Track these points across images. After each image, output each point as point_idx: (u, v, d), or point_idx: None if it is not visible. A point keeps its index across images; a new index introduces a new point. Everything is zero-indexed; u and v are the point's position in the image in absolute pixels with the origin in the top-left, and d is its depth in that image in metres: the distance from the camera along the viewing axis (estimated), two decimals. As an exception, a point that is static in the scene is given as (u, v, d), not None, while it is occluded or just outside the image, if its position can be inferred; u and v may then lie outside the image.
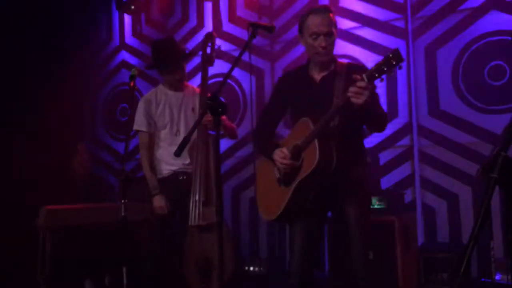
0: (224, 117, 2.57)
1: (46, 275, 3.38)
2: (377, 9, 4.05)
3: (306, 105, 2.28)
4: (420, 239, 3.69)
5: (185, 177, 3.13)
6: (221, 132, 2.78)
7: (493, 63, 3.60)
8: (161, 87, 3.27)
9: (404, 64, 4.29)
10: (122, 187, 2.69)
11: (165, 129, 3.18)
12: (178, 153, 2.07)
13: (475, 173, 3.52)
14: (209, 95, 3.26)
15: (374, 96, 2.16)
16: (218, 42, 4.64)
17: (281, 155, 2.22)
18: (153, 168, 3.17)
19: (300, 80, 2.36)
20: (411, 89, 3.90)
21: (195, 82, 4.58)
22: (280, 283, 4.02)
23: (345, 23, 4.14)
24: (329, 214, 2.43)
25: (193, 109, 3.25)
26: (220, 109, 1.95)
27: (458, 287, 1.36)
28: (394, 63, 1.91)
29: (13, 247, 3.96)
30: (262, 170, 2.42)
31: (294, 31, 4.11)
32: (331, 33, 2.22)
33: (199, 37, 3.29)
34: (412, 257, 3.37)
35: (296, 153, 2.19)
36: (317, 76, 2.32)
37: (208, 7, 4.83)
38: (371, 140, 3.95)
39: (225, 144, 4.36)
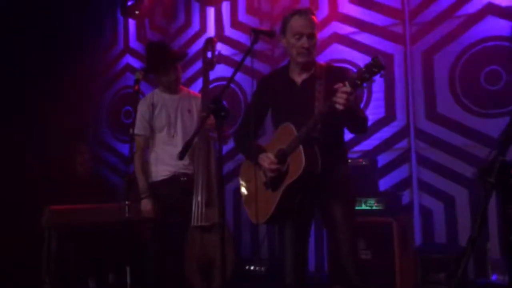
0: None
1: (51, 274, 3.44)
2: (375, 14, 4.12)
3: (287, 108, 2.31)
4: (418, 240, 3.74)
5: (185, 178, 3.19)
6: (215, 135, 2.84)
7: (489, 68, 3.66)
8: (157, 91, 3.33)
9: (401, 69, 4.33)
10: (127, 188, 2.76)
11: (162, 131, 3.23)
12: (181, 156, 2.14)
13: (472, 175, 3.59)
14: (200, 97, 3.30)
15: (355, 100, 2.16)
16: (220, 46, 4.75)
17: (267, 160, 2.25)
18: (144, 171, 3.22)
19: (281, 82, 2.37)
20: (408, 93, 3.96)
21: (197, 87, 4.66)
22: (280, 283, 4.07)
23: (343, 28, 4.21)
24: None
25: (189, 111, 3.30)
26: (222, 113, 2.03)
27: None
28: (375, 70, 1.94)
29: (18, 246, 4.01)
30: (247, 173, 2.44)
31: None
32: (313, 35, 2.26)
33: (202, 41, 3.36)
34: (410, 258, 3.42)
35: (281, 157, 2.23)
36: (298, 78, 2.33)
37: (211, 12, 4.91)
38: (369, 143, 4.02)
39: (226, 147, 4.42)
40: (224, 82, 4.61)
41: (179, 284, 3.23)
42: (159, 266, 3.16)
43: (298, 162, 2.14)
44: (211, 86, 4.00)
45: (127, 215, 2.69)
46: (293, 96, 2.32)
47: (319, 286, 3.67)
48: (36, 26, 4.81)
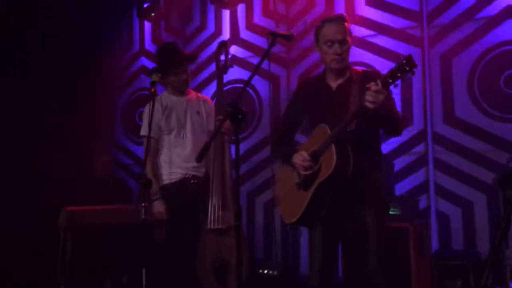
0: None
1: (66, 275, 3.46)
2: (393, 17, 4.09)
3: (323, 113, 2.34)
4: (434, 246, 3.69)
5: (195, 181, 3.19)
6: (233, 138, 2.84)
7: (508, 72, 3.60)
8: (165, 93, 3.32)
9: (419, 72, 4.28)
10: (142, 190, 2.76)
11: (172, 133, 3.23)
12: (199, 159, 2.14)
13: (491, 180, 3.53)
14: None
15: (389, 101, 2.21)
16: (235, 49, 4.76)
17: (300, 158, 2.28)
18: (155, 173, 3.22)
19: (317, 88, 2.42)
20: (426, 97, 3.92)
21: (211, 90, 4.67)
22: (293, 286, 4.06)
23: (361, 31, 4.18)
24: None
25: (198, 113, 3.30)
26: (239, 116, 2.03)
27: None
28: (407, 68, 1.96)
29: (34, 247, 4.06)
30: (282, 176, 2.49)
31: (309, 38, 4.17)
32: (345, 41, 2.30)
33: (217, 44, 3.37)
34: (426, 264, 3.37)
35: (314, 158, 2.25)
36: (334, 84, 2.38)
37: (226, 14, 4.92)
38: (386, 147, 3.98)
39: (240, 149, 4.41)
40: (238, 85, 4.61)
41: (192, 287, 3.22)
42: (172, 268, 3.16)
43: (329, 160, 2.16)
44: (225, 88, 3.99)
45: (143, 217, 2.70)
46: (328, 100, 2.36)
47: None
48: (52, 28, 4.86)
